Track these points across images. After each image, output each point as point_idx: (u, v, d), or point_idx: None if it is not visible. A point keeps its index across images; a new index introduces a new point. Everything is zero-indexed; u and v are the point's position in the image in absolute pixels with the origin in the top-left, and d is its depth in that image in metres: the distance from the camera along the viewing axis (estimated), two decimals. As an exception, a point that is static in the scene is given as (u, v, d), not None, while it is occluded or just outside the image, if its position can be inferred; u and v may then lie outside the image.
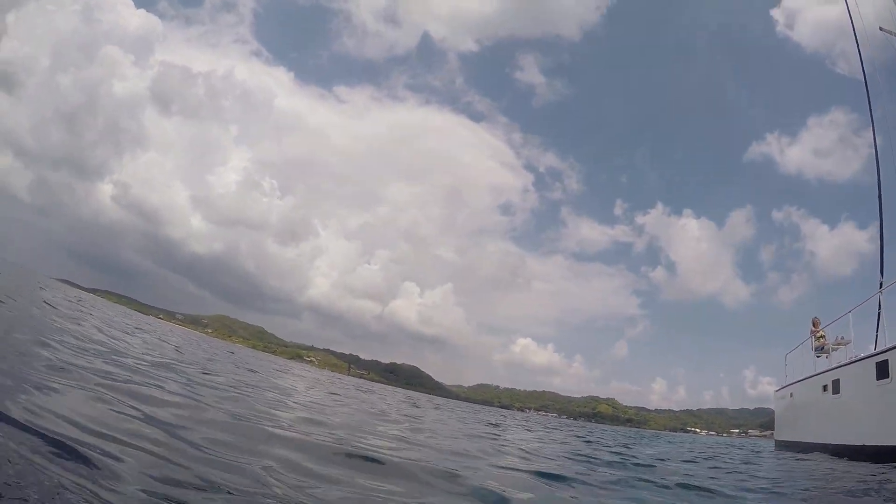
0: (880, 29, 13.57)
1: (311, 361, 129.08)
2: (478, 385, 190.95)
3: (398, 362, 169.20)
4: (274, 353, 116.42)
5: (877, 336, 10.78)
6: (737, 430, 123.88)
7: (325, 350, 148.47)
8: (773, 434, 17.42)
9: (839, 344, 12.69)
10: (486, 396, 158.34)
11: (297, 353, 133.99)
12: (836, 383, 11.38)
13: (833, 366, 12.13)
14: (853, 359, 11.01)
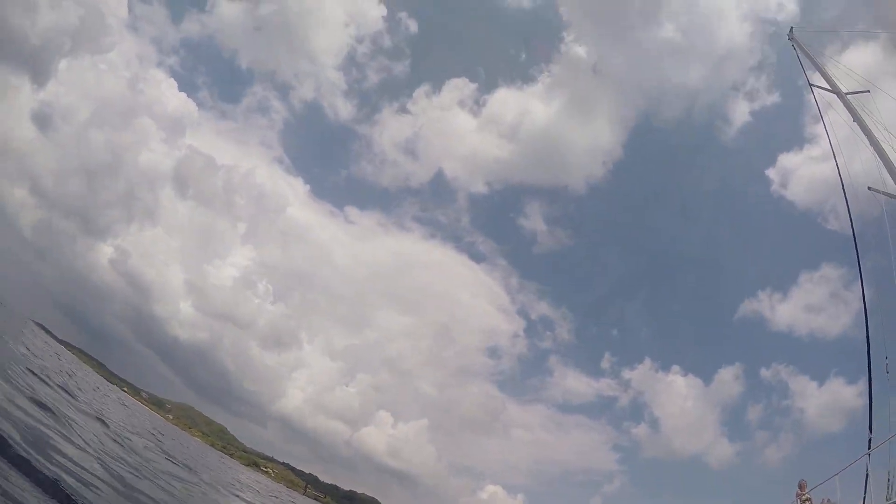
0: (868, 188, 14.09)
1: (267, 472, 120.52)
2: None
3: (358, 491, 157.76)
4: (231, 455, 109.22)
5: (864, 498, 9.94)
6: None
7: (284, 464, 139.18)
8: None
9: (825, 507, 11.60)
10: None
11: (256, 461, 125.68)
12: None
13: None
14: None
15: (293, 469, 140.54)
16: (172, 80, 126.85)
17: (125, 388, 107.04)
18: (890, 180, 14.12)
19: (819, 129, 17.21)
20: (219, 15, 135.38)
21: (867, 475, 10.19)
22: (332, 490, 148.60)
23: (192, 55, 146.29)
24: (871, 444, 10.24)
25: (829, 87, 17.17)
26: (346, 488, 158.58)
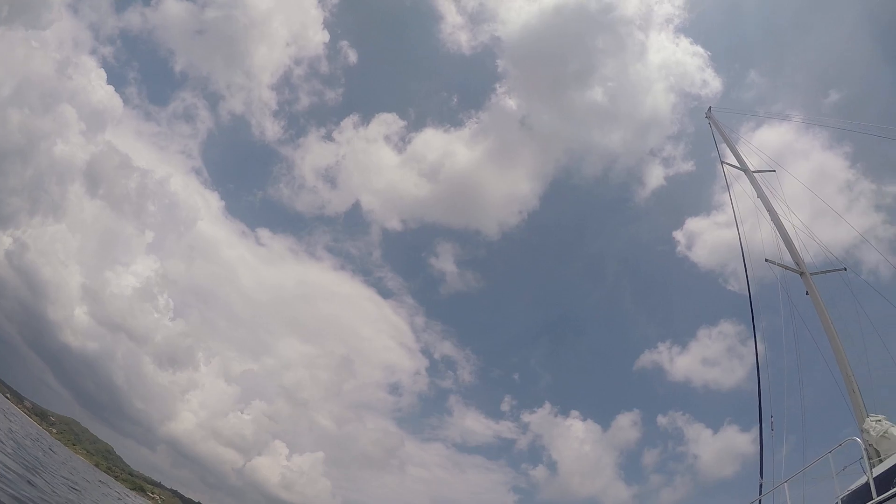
0: (766, 260, 15.82)
1: (154, 499, 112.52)
2: None
3: None
4: (116, 478, 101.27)
5: None
6: None
7: (172, 491, 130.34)
8: None
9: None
10: None
11: (141, 485, 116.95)
12: None
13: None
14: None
15: (181, 496, 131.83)
16: (103, 70, 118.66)
17: (7, 395, 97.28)
18: (786, 253, 15.99)
19: (726, 198, 18.99)
20: (163, 12, 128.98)
21: None
22: None
23: (128, 48, 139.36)
24: (762, 490, 11.24)
25: (738, 165, 19.19)
26: None
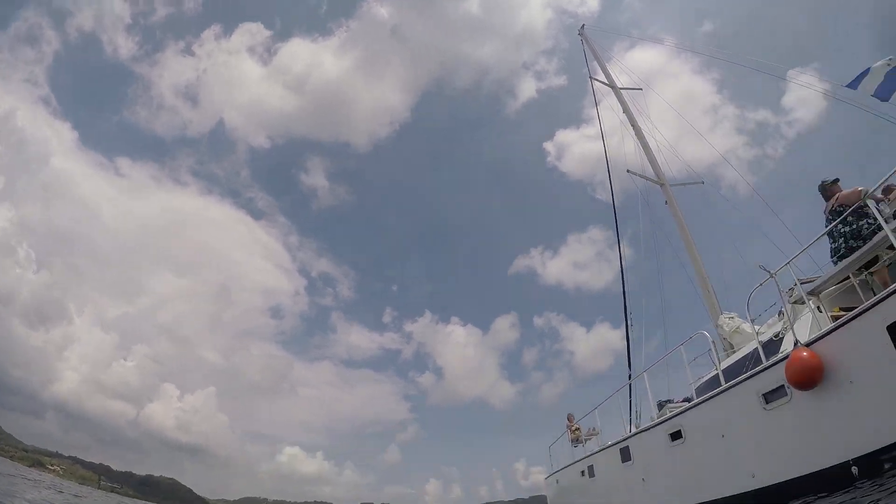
0: (627, 171, 16.88)
1: (54, 471, 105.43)
2: (243, 499, 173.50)
3: (155, 474, 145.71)
4: (12, 457, 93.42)
5: (630, 423, 12.18)
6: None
7: (71, 458, 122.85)
8: None
9: (591, 434, 14.13)
10: None
11: (39, 459, 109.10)
12: (590, 468, 12.53)
13: (587, 454, 13.43)
14: (602, 447, 12.32)
15: (81, 462, 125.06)
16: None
17: None
18: (648, 166, 17.04)
19: (595, 113, 19.56)
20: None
21: (630, 406, 12.58)
22: (126, 478, 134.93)
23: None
24: (636, 378, 12.29)
25: (606, 82, 19.75)
26: (142, 473, 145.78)
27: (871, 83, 9.52)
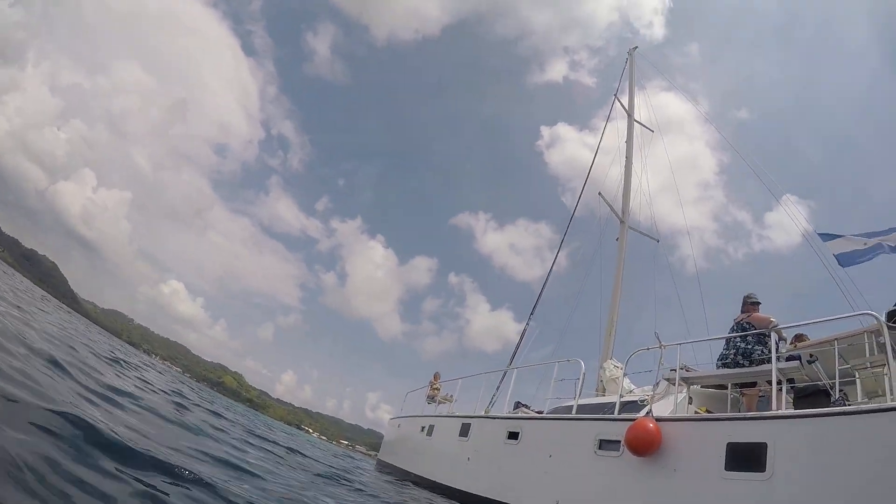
0: (599, 194, 17.20)
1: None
2: (112, 310, 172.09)
3: (40, 252, 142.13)
4: None
5: (488, 406, 12.78)
6: (346, 443, 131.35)
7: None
8: (375, 454, 19.09)
9: (446, 399, 14.82)
10: (116, 326, 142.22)
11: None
12: (431, 428, 13.10)
13: (435, 414, 14.11)
14: (449, 414, 12.98)
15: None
16: None
17: None
18: (619, 200, 17.30)
19: (602, 126, 19.54)
20: None
21: (497, 391, 13.08)
22: (12, 245, 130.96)
23: None
24: (513, 371, 12.78)
25: (626, 107, 19.64)
26: (28, 246, 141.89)
27: (841, 247, 10.08)
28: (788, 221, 12.56)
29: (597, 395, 11.18)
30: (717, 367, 7.46)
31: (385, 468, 16.38)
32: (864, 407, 5.35)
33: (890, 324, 8.88)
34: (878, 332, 6.18)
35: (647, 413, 7.04)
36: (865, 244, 9.85)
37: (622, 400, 8.60)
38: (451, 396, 14.56)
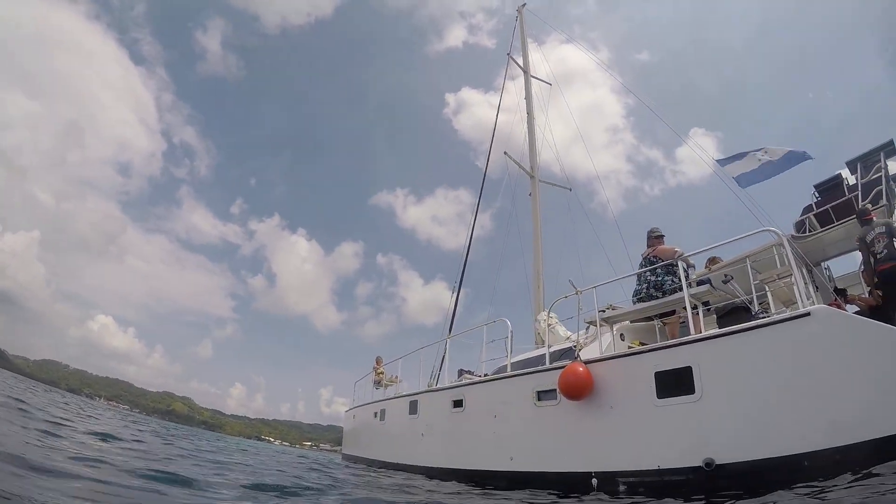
0: (504, 153, 17.40)
1: None
2: (44, 360, 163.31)
3: None
4: None
5: (431, 379, 12.75)
6: (309, 443, 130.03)
7: None
8: (341, 449, 18.88)
9: (392, 381, 14.80)
10: (53, 375, 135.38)
11: None
12: (382, 412, 13.11)
13: (384, 398, 14.06)
14: (397, 395, 12.94)
15: None
16: None
17: None
18: (527, 155, 17.52)
19: (502, 86, 19.58)
20: None
21: (442, 364, 12.99)
22: None
23: None
24: (447, 341, 12.80)
25: (521, 65, 19.76)
26: None
27: (739, 168, 10.60)
28: (698, 153, 13.09)
29: (536, 348, 11.37)
30: (634, 303, 7.71)
31: (350, 459, 16.27)
32: (766, 319, 5.66)
33: (797, 234, 9.49)
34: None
35: (577, 357, 7.19)
36: (759, 160, 10.37)
37: (557, 349, 8.77)
38: (397, 378, 14.54)
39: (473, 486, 7.91)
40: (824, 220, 9.06)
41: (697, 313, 6.72)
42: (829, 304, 7.11)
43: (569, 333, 10.25)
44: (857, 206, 8.70)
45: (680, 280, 6.87)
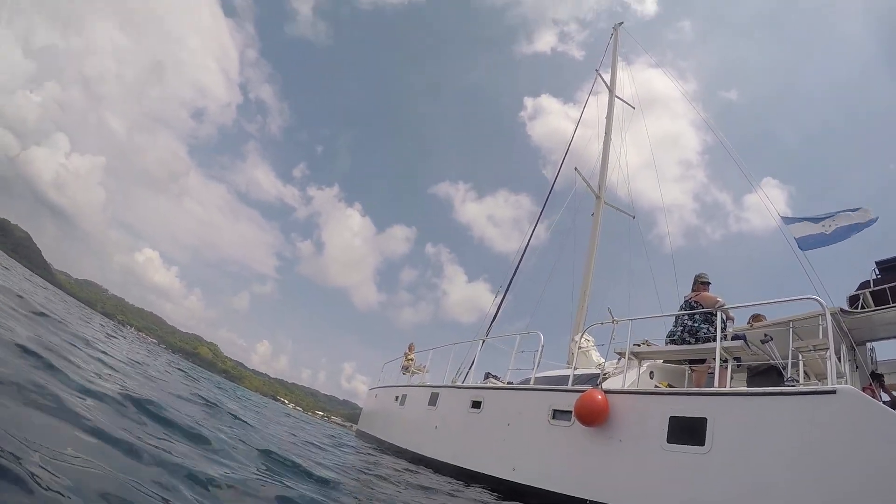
0: (574, 169, 17.39)
1: None
2: (85, 281, 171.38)
3: (11, 221, 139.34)
4: None
5: (467, 375, 13.04)
6: (322, 413, 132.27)
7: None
8: (352, 425, 19.46)
9: (419, 370, 15.17)
10: (90, 296, 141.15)
11: None
12: (404, 397, 13.46)
13: (408, 384, 14.46)
14: (421, 384, 13.30)
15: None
16: None
17: None
18: (597, 175, 17.48)
19: (585, 100, 19.53)
20: None
21: (473, 363, 13.31)
22: None
23: None
24: (480, 343, 12.97)
25: (607, 83, 19.63)
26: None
27: (802, 230, 10.38)
28: (766, 204, 12.79)
29: (567, 368, 11.51)
30: (666, 344, 7.77)
31: (364, 437, 16.76)
32: (790, 388, 5.66)
33: (847, 309, 9.24)
34: (832, 316, 6.43)
35: (597, 385, 7.34)
36: (824, 227, 10.14)
37: (584, 373, 8.90)
38: (425, 367, 14.88)
39: (473, 486, 8.12)
40: (880, 299, 8.81)
41: (726, 367, 6.75)
42: (864, 388, 6.98)
43: (601, 360, 10.33)
44: (920, 291, 8.42)
45: (715, 330, 6.90)
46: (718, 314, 6.99)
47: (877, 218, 10.19)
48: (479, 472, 8.65)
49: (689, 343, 7.42)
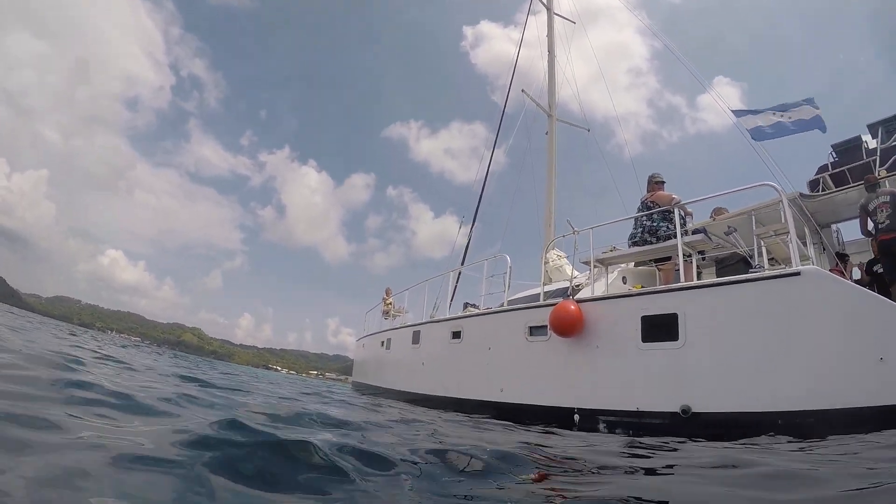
0: (522, 90, 17.07)
1: None
2: (56, 297, 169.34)
3: None
4: None
5: (449, 306, 13.15)
6: (315, 372, 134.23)
7: None
8: (347, 378, 19.69)
9: (399, 312, 15.30)
10: (65, 311, 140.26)
11: None
12: (388, 341, 13.60)
13: (390, 328, 14.59)
14: (402, 325, 13.42)
15: None
16: None
17: None
18: (546, 93, 17.20)
19: (525, 21, 18.98)
20: None
21: (453, 294, 13.43)
22: None
23: None
24: (452, 274, 13.02)
25: (544, 1, 18.98)
26: None
27: (754, 122, 10.42)
28: (718, 102, 12.78)
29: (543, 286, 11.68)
30: (629, 247, 7.87)
31: (358, 388, 17.01)
32: (755, 274, 5.80)
33: (808, 193, 9.39)
34: (792, 201, 6.51)
35: (568, 297, 7.45)
36: (775, 117, 10.20)
37: (554, 288, 9.02)
38: (404, 308, 14.99)
39: (464, 414, 8.22)
40: (839, 180, 8.98)
41: (690, 262, 6.88)
42: (832, 269, 7.17)
43: (577, 274, 10.46)
44: (875, 170, 8.58)
45: (675, 227, 6.98)
46: (676, 211, 7.05)
47: (825, 127, 10.21)
48: (469, 399, 8.85)
49: (651, 243, 7.52)
